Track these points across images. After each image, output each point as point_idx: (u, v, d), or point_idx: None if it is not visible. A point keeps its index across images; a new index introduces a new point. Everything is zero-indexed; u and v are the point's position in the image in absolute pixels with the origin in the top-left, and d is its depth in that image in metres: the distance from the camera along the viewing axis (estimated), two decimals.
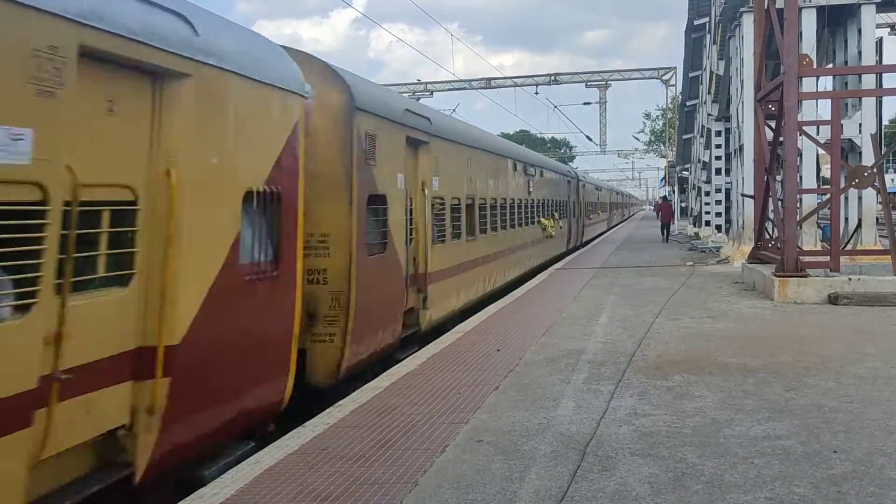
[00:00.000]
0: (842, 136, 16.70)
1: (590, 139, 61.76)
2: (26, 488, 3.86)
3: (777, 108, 14.08)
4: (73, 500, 4.22)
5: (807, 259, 13.37)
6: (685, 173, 51.80)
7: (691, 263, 20.05)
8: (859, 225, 17.89)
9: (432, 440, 5.55)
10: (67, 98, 3.94)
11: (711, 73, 28.06)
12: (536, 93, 50.69)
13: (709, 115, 30.29)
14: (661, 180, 66.18)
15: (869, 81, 18.10)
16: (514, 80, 51.70)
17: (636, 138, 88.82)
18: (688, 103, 40.87)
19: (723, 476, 4.70)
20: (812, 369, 7.52)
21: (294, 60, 6.76)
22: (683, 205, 54.72)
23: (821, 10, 18.01)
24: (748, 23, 18.23)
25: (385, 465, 5.05)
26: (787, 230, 13.13)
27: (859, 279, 12.45)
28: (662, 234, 32.99)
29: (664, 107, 62.66)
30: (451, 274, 11.63)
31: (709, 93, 29.49)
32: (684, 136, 47.78)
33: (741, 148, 20.46)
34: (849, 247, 17.39)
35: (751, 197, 17.37)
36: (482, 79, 50.73)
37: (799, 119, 14.24)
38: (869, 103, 18.18)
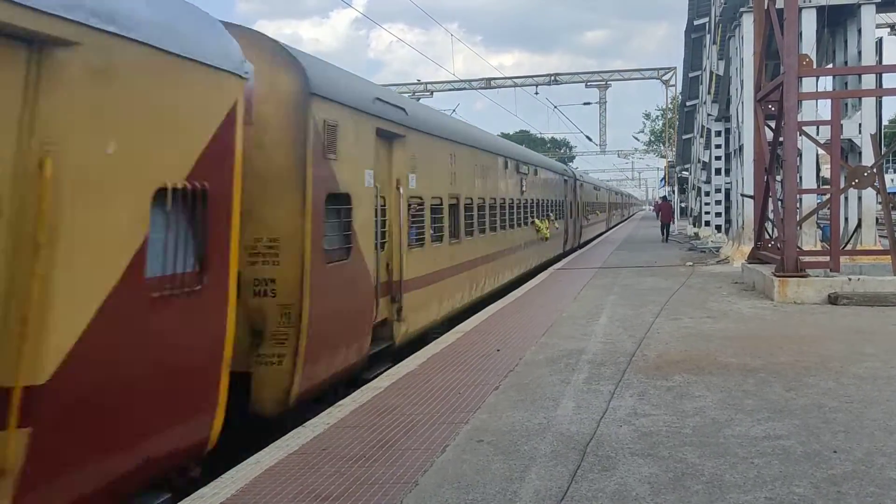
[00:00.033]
0: (842, 137, 16.71)
1: (590, 139, 61.83)
2: None
3: (777, 108, 14.08)
4: None
5: (807, 259, 13.38)
6: (685, 173, 51.80)
7: (691, 263, 20.05)
8: (859, 225, 17.90)
9: (432, 440, 5.55)
10: None
11: (711, 73, 28.06)
12: (536, 93, 50.77)
13: (709, 115, 30.29)
14: (661, 180, 66.18)
15: (869, 81, 18.11)
16: (514, 80, 51.67)
17: (636, 138, 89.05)
18: (688, 103, 40.88)
19: (723, 476, 4.71)
20: (812, 369, 7.53)
21: (239, 37, 5.82)
22: (683, 205, 54.76)
23: (821, 10, 18.01)
24: (748, 23, 18.23)
25: (385, 465, 5.05)
26: (787, 230, 13.14)
27: (859, 279, 12.46)
28: (662, 234, 33.03)
29: (664, 107, 62.75)
30: (430, 281, 10.64)
31: (709, 93, 29.49)
32: (684, 137, 47.79)
33: (741, 148, 20.47)
34: (849, 247, 17.39)
35: (751, 197, 17.38)
36: (482, 79, 50.72)
37: (799, 119, 14.25)
38: (869, 103, 18.19)
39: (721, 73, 25.05)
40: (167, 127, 4.73)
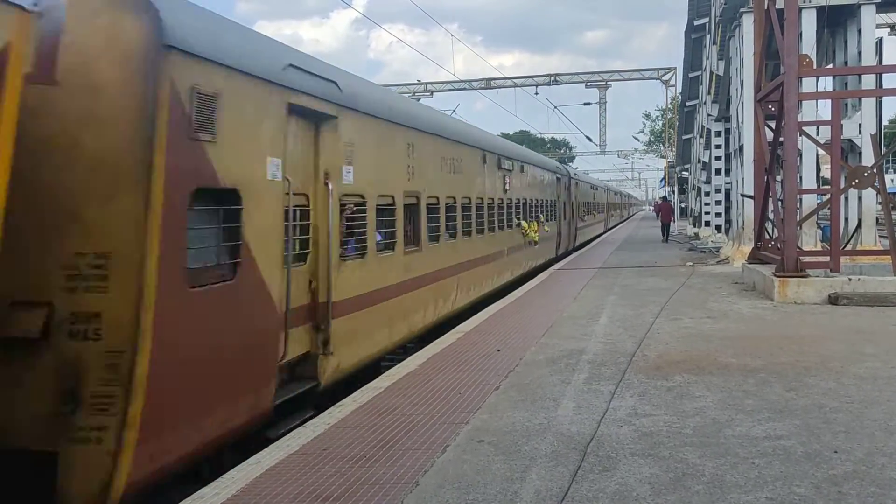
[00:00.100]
0: (842, 137, 16.71)
1: (589, 139, 61.80)
2: None
3: (777, 108, 14.08)
4: None
5: (807, 259, 13.38)
6: (685, 174, 51.84)
7: (691, 264, 20.06)
8: (859, 225, 17.91)
9: (433, 440, 5.55)
10: None
11: (711, 73, 28.08)
12: (536, 93, 50.75)
13: (709, 115, 30.31)
14: (661, 181, 66.22)
15: (869, 82, 18.12)
16: (514, 80, 51.63)
17: (636, 139, 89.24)
18: (688, 104, 40.92)
19: (723, 476, 4.71)
20: (812, 369, 7.53)
21: None
22: (683, 205, 54.79)
23: (821, 10, 18.02)
24: (748, 23, 18.24)
25: (386, 466, 5.05)
26: (787, 230, 13.14)
27: (859, 279, 12.46)
28: (662, 234, 33.05)
29: (664, 107, 62.78)
30: (376, 300, 8.65)
31: (709, 93, 29.51)
32: (684, 137, 47.83)
33: (741, 148, 20.47)
34: (849, 247, 17.40)
35: (751, 197, 17.38)
36: (482, 79, 50.70)
37: (799, 119, 14.25)
38: (869, 103, 18.20)
39: (721, 73, 25.06)
40: None
